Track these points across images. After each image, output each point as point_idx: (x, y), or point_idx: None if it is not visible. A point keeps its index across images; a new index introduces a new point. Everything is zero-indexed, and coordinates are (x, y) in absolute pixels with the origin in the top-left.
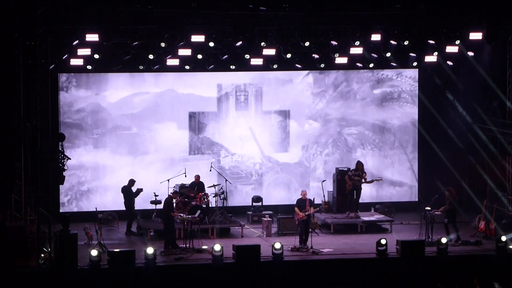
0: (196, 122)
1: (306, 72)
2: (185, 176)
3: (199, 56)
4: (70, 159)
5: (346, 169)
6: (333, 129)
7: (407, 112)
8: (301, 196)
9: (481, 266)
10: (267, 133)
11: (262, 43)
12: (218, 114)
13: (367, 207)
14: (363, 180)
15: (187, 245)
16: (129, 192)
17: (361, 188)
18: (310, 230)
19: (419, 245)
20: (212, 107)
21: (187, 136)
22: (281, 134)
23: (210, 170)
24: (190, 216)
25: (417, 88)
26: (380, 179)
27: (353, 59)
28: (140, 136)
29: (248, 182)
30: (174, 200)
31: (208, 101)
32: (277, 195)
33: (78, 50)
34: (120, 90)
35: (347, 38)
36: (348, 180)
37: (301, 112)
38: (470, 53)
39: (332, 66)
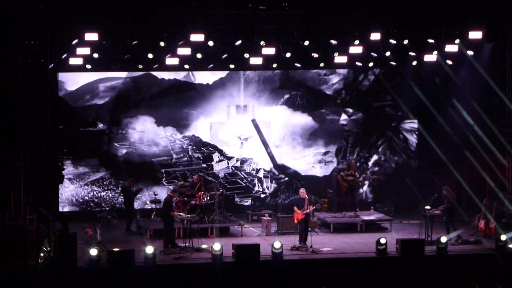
0: (181, 116)
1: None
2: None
3: (199, 55)
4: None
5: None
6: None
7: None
8: (299, 195)
9: (480, 265)
10: (281, 131)
11: (262, 42)
12: (210, 105)
13: (367, 206)
14: (356, 180)
15: (187, 244)
16: (128, 192)
17: (356, 188)
18: (310, 229)
19: (418, 244)
20: (202, 95)
21: (169, 134)
22: (303, 131)
23: (208, 171)
24: (189, 215)
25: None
26: (375, 176)
27: (353, 58)
28: (106, 134)
29: (249, 194)
30: (173, 199)
31: (194, 88)
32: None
33: (78, 49)
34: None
35: (346, 37)
36: (342, 182)
37: (332, 97)
38: (470, 52)
39: (331, 65)
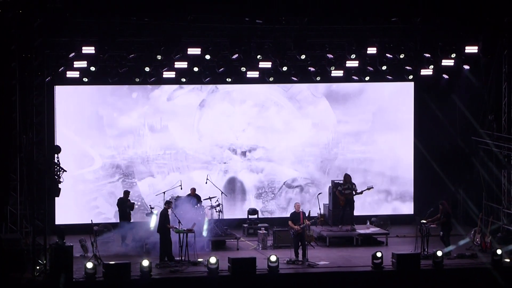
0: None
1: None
2: (181, 188)
3: (195, 69)
4: (66, 171)
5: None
6: None
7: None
8: (294, 209)
9: (476, 279)
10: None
11: (258, 56)
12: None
13: (363, 220)
14: (354, 193)
15: (183, 258)
16: (124, 204)
17: (354, 201)
18: (306, 242)
19: (414, 258)
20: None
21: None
22: None
23: (206, 183)
24: (185, 228)
25: (413, 101)
26: (371, 187)
27: (349, 72)
28: None
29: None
30: (169, 211)
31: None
32: None
33: (75, 62)
34: None
35: (343, 51)
36: (340, 196)
37: None
38: (466, 67)
39: (328, 79)
